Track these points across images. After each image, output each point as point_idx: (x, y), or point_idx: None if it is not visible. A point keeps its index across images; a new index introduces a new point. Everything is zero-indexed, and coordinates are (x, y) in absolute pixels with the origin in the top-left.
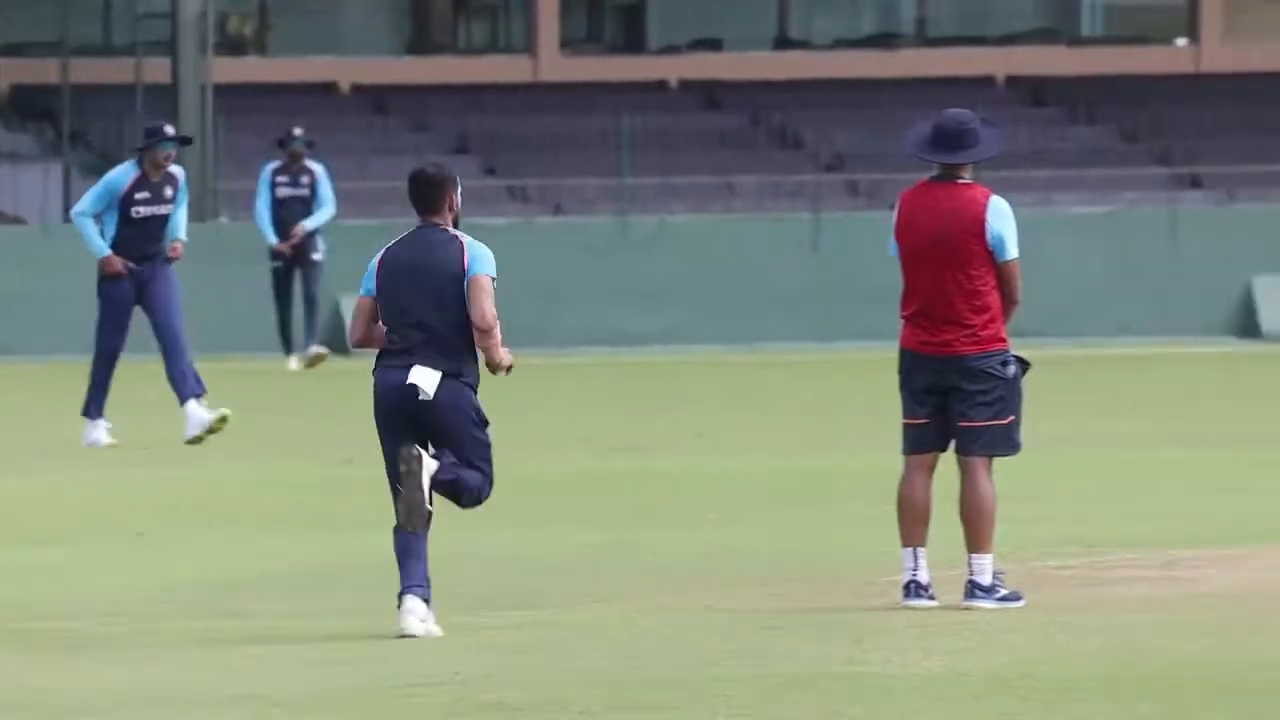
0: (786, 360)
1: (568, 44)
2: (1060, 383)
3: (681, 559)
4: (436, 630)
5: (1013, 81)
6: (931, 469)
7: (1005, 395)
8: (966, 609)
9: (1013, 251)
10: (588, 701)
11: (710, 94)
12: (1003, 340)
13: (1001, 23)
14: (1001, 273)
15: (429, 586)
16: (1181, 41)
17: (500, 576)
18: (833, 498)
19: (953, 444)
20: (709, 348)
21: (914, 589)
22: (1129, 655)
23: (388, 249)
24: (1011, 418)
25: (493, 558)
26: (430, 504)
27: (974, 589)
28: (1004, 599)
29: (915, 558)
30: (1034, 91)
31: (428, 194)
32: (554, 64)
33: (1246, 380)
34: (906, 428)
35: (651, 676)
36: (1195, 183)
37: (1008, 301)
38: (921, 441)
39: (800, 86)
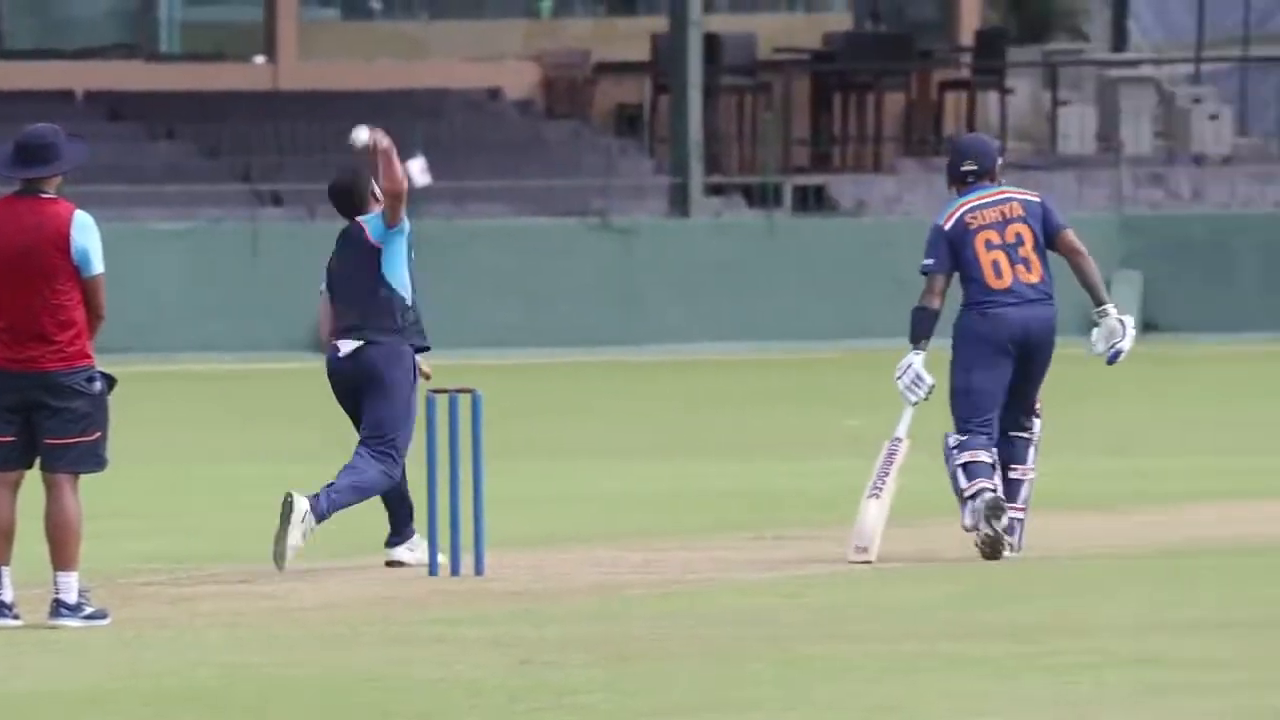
0: None
1: None
2: (144, 396)
3: None
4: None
5: (91, 97)
6: (17, 486)
7: (91, 412)
8: (53, 628)
9: (98, 267)
10: None
11: None
12: (89, 356)
13: (79, 37)
14: (86, 288)
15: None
16: (260, 59)
17: None
18: None
19: (39, 461)
20: None
21: None
22: (216, 669)
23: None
24: (99, 434)
25: None
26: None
27: (60, 607)
28: (90, 616)
29: (0, 577)
30: (112, 106)
31: (344, 200)
32: None
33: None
34: None
35: None
36: (276, 200)
37: (93, 317)
38: (8, 459)
39: None
